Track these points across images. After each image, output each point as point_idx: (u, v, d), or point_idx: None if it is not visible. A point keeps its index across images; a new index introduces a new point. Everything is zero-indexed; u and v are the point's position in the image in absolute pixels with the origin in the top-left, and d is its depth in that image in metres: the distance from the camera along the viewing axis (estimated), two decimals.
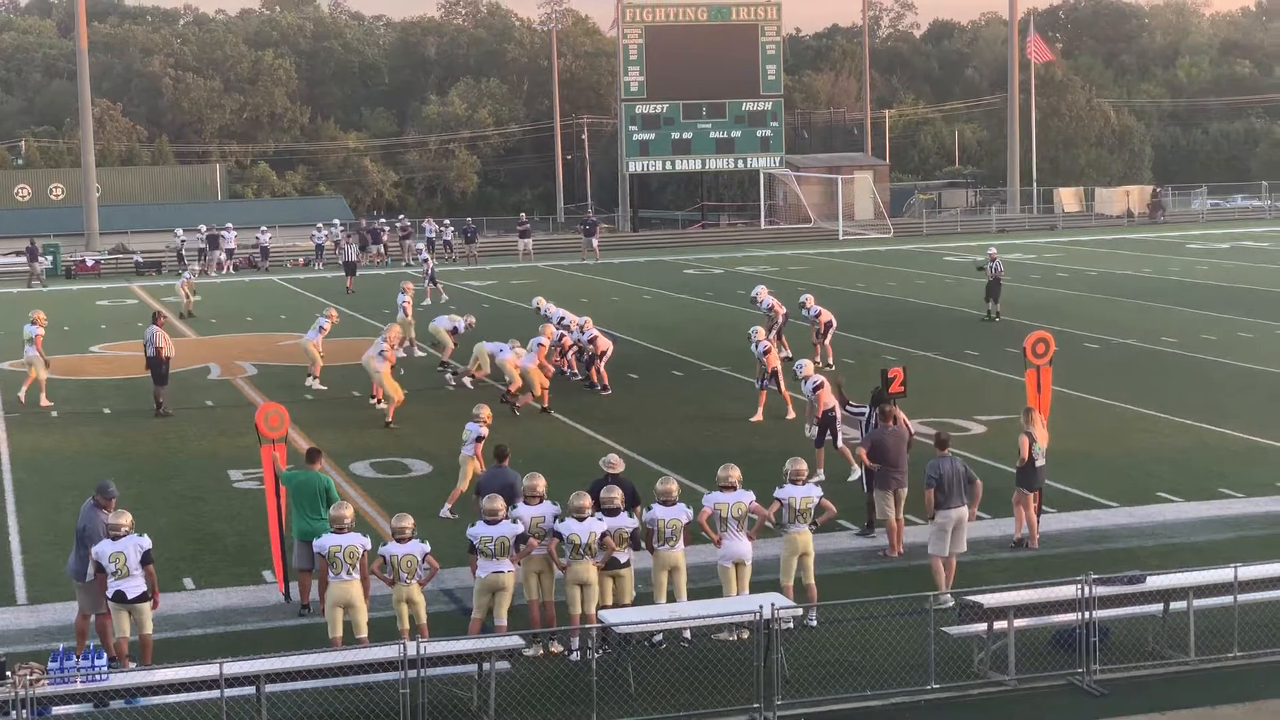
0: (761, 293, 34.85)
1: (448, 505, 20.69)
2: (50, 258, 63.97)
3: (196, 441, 27.00)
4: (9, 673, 12.82)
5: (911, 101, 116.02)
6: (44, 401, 30.68)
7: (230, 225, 68.07)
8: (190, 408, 30.12)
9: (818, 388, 22.96)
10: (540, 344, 29.12)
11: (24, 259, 62.55)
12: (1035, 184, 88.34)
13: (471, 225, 70.30)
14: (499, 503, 15.52)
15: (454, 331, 33.00)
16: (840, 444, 22.80)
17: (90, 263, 66.69)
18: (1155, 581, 15.27)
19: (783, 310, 33.78)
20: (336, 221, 69.73)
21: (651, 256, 67.61)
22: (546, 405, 28.58)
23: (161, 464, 25.23)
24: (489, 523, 15.38)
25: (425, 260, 51.73)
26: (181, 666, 13.57)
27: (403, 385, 28.90)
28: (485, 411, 20.90)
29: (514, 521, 15.50)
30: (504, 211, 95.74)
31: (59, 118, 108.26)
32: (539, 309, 34.22)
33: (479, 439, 20.48)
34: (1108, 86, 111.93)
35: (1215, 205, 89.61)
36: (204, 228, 66.89)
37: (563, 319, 32.49)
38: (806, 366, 23.85)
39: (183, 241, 65.04)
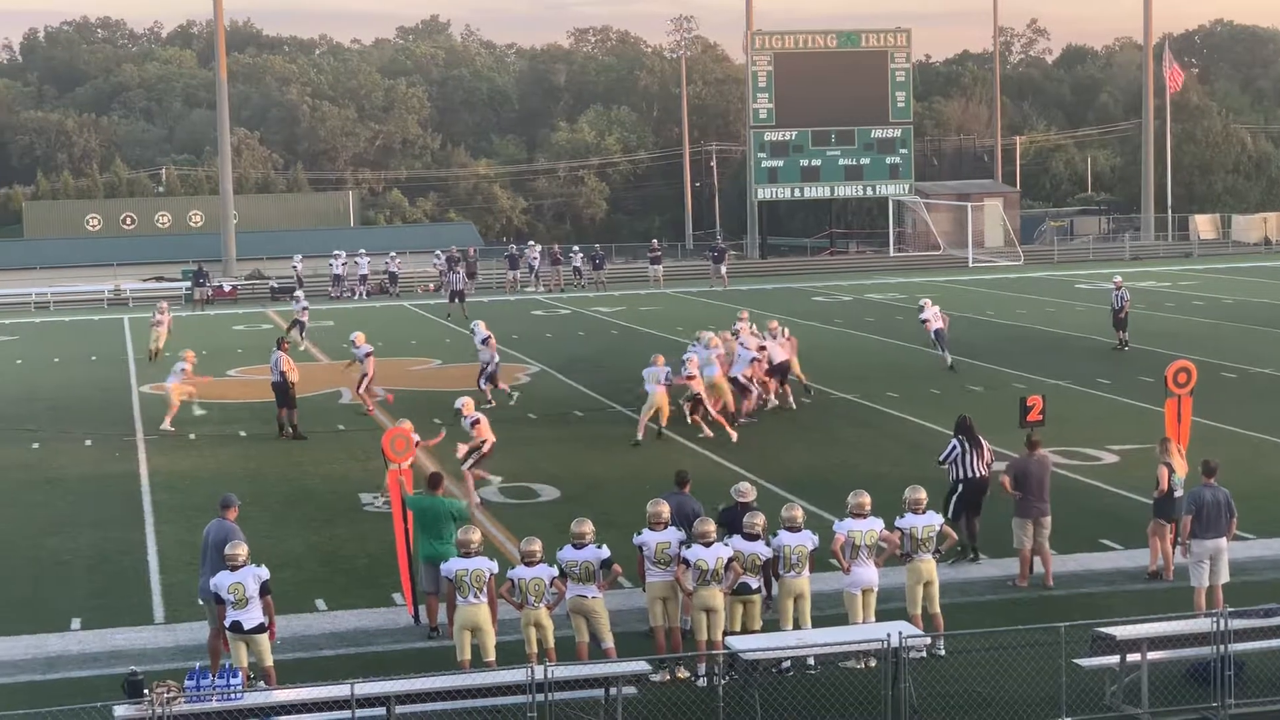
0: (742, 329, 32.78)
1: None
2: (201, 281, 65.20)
3: (327, 465, 27.39)
4: (147, 690, 13.08)
5: (1043, 128, 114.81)
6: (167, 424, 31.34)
7: (363, 251, 68.92)
8: (321, 431, 30.56)
9: (475, 423, 23.40)
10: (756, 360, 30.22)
11: (188, 283, 64.40)
12: (1170, 211, 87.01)
13: (600, 252, 70.60)
14: (587, 526, 15.60)
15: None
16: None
17: (227, 288, 67.91)
18: None
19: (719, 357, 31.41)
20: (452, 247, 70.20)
21: (780, 284, 67.46)
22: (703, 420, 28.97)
23: (294, 486, 25.64)
24: (576, 547, 15.47)
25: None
26: (314, 687, 13.78)
27: (540, 409, 29.12)
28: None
29: (599, 546, 15.55)
30: (632, 238, 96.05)
31: (198, 146, 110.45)
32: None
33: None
34: (1244, 112, 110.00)
35: None
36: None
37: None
38: (467, 404, 23.96)
39: (344, 265, 66.37)
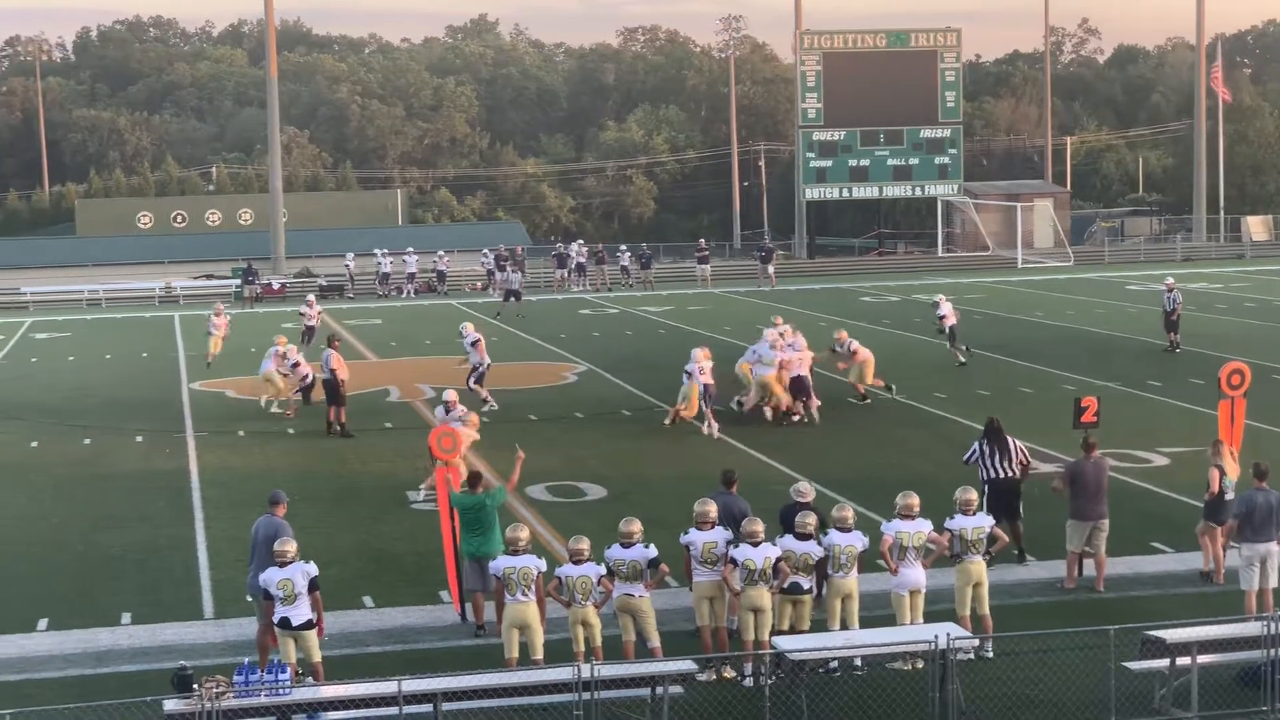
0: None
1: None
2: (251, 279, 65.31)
3: (375, 462, 27.48)
4: (196, 685, 13.15)
5: (1094, 128, 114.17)
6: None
7: (412, 249, 69.09)
8: (369, 429, 30.66)
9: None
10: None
11: (237, 281, 64.65)
12: (1222, 212, 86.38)
13: (647, 251, 70.56)
14: (635, 525, 15.60)
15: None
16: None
17: (276, 286, 68.21)
18: None
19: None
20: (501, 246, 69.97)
21: (828, 284, 67.31)
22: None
23: (342, 484, 25.73)
24: (624, 546, 15.48)
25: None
26: (361, 683, 13.83)
27: (587, 408, 29.16)
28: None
29: (646, 545, 15.55)
30: (680, 238, 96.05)
31: (248, 144, 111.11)
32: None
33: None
34: None
35: None
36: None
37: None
38: (453, 398, 24.62)
39: (389, 263, 66.45)
